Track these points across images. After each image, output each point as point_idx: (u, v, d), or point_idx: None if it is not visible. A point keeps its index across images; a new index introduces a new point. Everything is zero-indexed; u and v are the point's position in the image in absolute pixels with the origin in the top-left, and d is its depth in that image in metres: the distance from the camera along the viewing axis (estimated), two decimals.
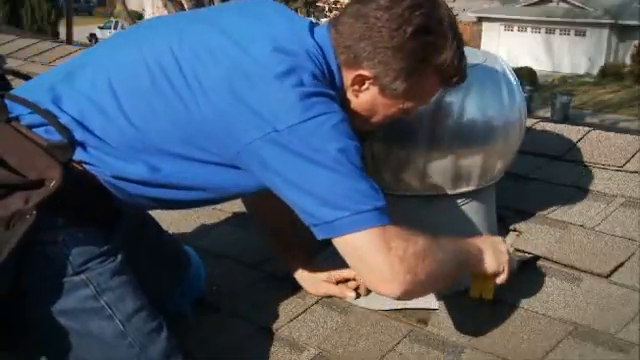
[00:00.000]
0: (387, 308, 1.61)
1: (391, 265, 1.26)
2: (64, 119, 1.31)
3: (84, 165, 1.32)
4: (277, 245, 1.77)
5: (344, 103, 1.37)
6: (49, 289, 1.31)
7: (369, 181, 1.28)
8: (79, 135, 1.31)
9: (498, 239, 1.53)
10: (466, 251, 1.43)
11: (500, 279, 1.47)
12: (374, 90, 1.36)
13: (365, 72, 1.34)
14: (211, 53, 1.31)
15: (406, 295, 1.32)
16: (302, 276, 1.71)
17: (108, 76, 1.36)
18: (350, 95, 1.38)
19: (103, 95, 1.34)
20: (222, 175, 1.35)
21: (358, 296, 1.66)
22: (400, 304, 1.60)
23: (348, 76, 1.36)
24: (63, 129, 1.30)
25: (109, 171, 1.33)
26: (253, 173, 1.31)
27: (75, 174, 1.30)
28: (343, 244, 1.28)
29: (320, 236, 1.29)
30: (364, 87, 1.36)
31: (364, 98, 1.38)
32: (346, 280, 1.68)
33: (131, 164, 1.33)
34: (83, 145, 1.31)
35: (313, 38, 1.36)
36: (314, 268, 1.71)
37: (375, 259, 1.26)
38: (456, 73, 1.38)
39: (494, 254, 1.45)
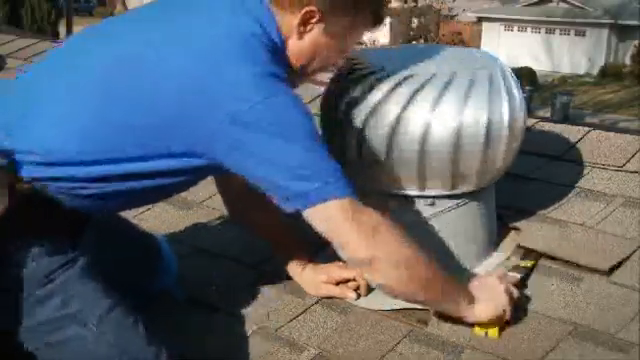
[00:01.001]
0: (387, 308, 1.61)
1: (359, 232, 1.34)
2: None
3: (34, 182, 1.33)
4: (277, 246, 1.77)
5: (287, 60, 1.43)
6: (22, 306, 1.33)
7: (330, 155, 1.34)
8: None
9: (494, 281, 1.50)
10: (455, 296, 1.46)
11: (502, 320, 1.48)
12: (318, 29, 1.42)
13: (313, 7, 1.39)
14: (165, 47, 1.34)
15: (373, 265, 1.37)
16: (302, 277, 1.71)
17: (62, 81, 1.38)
18: (293, 42, 1.43)
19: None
20: (185, 165, 1.37)
21: (359, 296, 1.66)
22: (400, 304, 1.60)
23: (293, 21, 1.40)
24: (4, 153, 1.31)
25: (60, 180, 1.34)
26: (217, 157, 1.33)
27: (25, 192, 1.32)
28: (315, 214, 1.33)
29: (292, 207, 1.34)
30: (309, 27, 1.42)
31: (308, 40, 1.43)
32: (347, 280, 1.68)
33: (86, 166, 1.34)
34: (28, 161, 1.32)
35: (247, 11, 1.39)
36: (314, 269, 1.71)
37: (346, 225, 1.33)
38: (382, 14, 1.49)
39: (492, 300, 1.46)
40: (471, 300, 1.46)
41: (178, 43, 1.34)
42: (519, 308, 1.51)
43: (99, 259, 1.42)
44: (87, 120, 1.34)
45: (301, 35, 1.42)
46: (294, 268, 1.72)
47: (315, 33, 1.43)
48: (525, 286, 1.61)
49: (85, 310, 1.35)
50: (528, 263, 1.67)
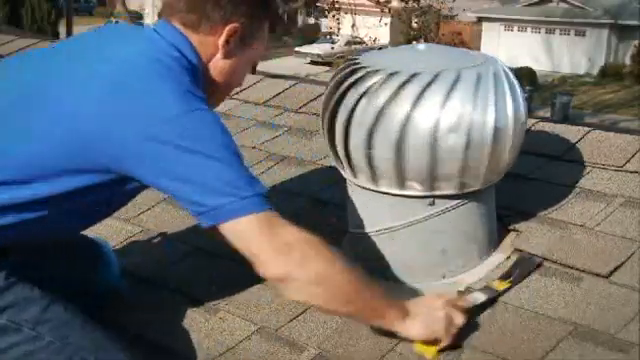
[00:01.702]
0: None
1: (273, 247, 1.33)
2: None
3: None
4: None
5: (209, 80, 1.47)
6: None
7: (248, 170, 1.37)
8: None
9: (438, 305, 1.45)
10: (384, 311, 1.42)
11: (439, 346, 1.44)
12: (238, 43, 1.48)
13: (236, 24, 1.45)
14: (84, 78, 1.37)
15: (287, 282, 1.35)
16: None
17: None
18: (217, 61, 1.48)
19: None
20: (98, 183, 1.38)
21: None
22: None
23: (216, 41, 1.46)
24: None
25: None
26: (130, 172, 1.35)
27: None
28: (230, 229, 1.33)
29: (208, 223, 1.34)
30: (232, 44, 1.47)
31: (233, 56, 1.49)
32: None
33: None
34: None
35: (162, 37, 1.43)
36: None
37: (260, 240, 1.33)
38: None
39: (426, 321, 1.42)
40: (405, 315, 1.42)
41: (92, 69, 1.37)
42: (461, 335, 1.46)
43: (33, 269, 1.45)
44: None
45: (226, 53, 1.47)
46: None
47: (238, 48, 1.49)
48: (481, 311, 1.55)
49: (17, 317, 1.36)
50: (501, 285, 1.61)
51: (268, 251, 1.33)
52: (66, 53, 1.51)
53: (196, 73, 1.44)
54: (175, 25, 1.46)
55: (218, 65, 1.49)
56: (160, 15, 1.52)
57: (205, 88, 1.45)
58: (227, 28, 1.45)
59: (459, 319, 1.45)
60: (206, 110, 1.35)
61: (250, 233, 1.33)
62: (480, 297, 1.57)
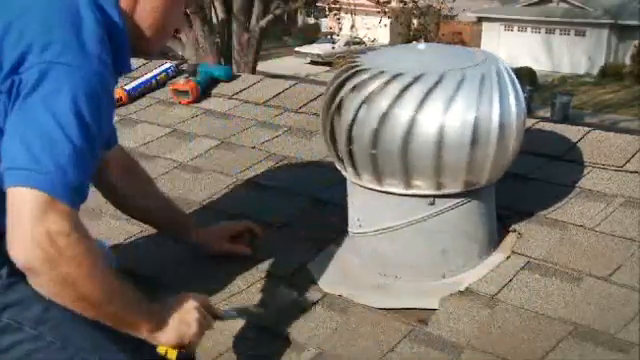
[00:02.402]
0: (386, 306, 1.61)
1: (33, 233, 1.17)
2: None
3: None
4: (163, 227, 1.89)
5: (142, 22, 1.40)
6: None
7: (84, 159, 1.23)
8: None
9: (190, 308, 1.43)
10: (136, 321, 1.36)
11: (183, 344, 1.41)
12: None
13: None
14: None
15: (31, 272, 1.20)
16: (203, 240, 1.84)
17: None
18: (144, 6, 1.39)
19: None
20: None
21: (254, 250, 1.84)
22: (399, 303, 1.60)
23: None
24: None
25: None
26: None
27: None
28: (11, 194, 1.19)
29: (5, 182, 1.20)
30: None
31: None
32: (240, 235, 1.86)
33: None
34: None
35: None
36: (206, 231, 1.86)
37: (25, 219, 1.18)
38: None
39: (178, 328, 1.39)
40: (160, 325, 1.38)
41: None
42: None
43: None
44: None
45: None
46: (188, 236, 1.84)
47: None
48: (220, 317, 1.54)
49: (18, 316, 1.36)
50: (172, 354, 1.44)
51: (28, 236, 1.18)
52: None
53: (114, 29, 1.33)
54: None
55: (147, 6, 1.40)
56: None
57: (133, 41, 1.38)
58: None
59: (209, 320, 1.46)
60: (97, 73, 1.25)
61: (23, 206, 1.18)
62: (233, 314, 1.59)
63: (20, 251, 1.19)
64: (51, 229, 1.17)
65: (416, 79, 1.54)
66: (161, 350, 1.41)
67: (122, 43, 1.35)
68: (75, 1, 1.30)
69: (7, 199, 1.19)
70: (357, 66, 1.64)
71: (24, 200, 1.18)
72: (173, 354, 1.41)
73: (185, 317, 1.41)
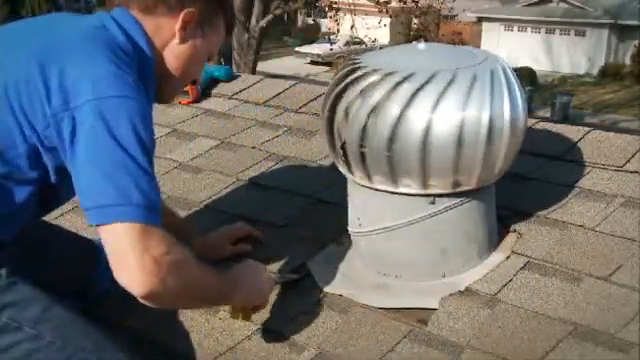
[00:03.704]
0: (386, 306, 1.61)
1: (142, 264, 1.23)
2: None
3: None
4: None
5: (163, 69, 1.46)
6: None
7: (148, 175, 1.29)
8: None
9: (261, 269, 1.61)
10: (230, 285, 1.50)
11: (259, 307, 1.60)
12: (194, 30, 1.47)
13: (192, 9, 1.44)
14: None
15: (150, 299, 1.27)
16: (204, 249, 1.77)
17: None
18: (172, 48, 1.46)
19: None
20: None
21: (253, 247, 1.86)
22: (399, 303, 1.60)
23: (173, 25, 1.44)
24: None
25: None
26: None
27: None
28: (108, 232, 1.25)
29: (94, 220, 1.26)
30: (189, 30, 1.46)
31: (187, 41, 1.47)
32: (243, 238, 1.89)
33: None
34: None
35: (116, 22, 1.41)
36: (211, 237, 1.87)
37: (128, 253, 1.23)
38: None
39: (254, 286, 1.56)
40: (237, 286, 1.52)
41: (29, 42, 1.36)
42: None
43: (33, 269, 1.43)
44: None
45: (182, 38, 1.46)
46: (193, 242, 1.79)
47: (195, 35, 1.47)
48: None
49: (17, 316, 1.36)
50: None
51: (132, 264, 1.23)
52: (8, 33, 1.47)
53: (146, 63, 1.41)
54: (132, 11, 1.44)
55: (174, 51, 1.47)
56: (118, 3, 1.49)
57: (158, 78, 1.44)
58: (183, 12, 1.44)
59: (272, 286, 1.64)
60: (138, 100, 1.30)
61: (121, 241, 1.24)
62: (281, 280, 1.73)
63: (135, 284, 1.25)
64: (155, 254, 1.24)
65: (407, 77, 1.54)
66: (235, 316, 1.58)
67: (149, 72, 1.42)
68: (110, 33, 1.37)
69: (101, 236, 1.26)
70: (360, 66, 1.64)
71: (122, 235, 1.24)
72: (248, 317, 1.59)
73: (260, 276, 1.58)
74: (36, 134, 1.31)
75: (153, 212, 1.26)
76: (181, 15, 1.44)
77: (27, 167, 1.34)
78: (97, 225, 1.26)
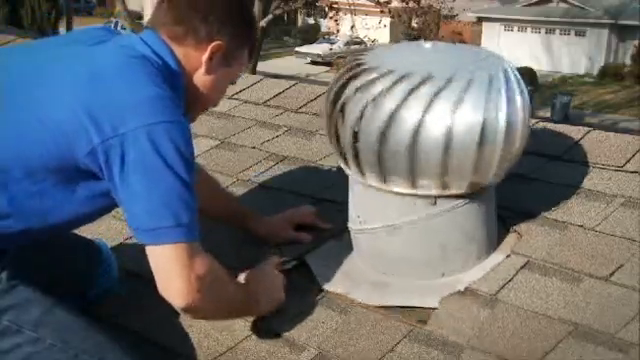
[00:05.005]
0: (385, 304, 1.61)
1: (189, 281, 1.34)
2: None
3: None
4: (228, 220, 1.91)
5: (190, 90, 1.50)
6: None
7: (193, 194, 1.36)
8: None
9: (273, 272, 1.67)
10: (253, 300, 1.58)
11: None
12: (220, 61, 1.51)
13: (220, 42, 1.48)
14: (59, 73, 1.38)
15: (191, 312, 1.41)
16: (268, 230, 1.87)
17: None
18: (199, 76, 1.51)
19: None
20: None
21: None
22: (398, 301, 1.60)
23: (200, 57, 1.48)
24: None
25: None
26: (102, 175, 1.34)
27: None
28: (155, 251, 1.34)
29: (145, 241, 1.35)
30: (215, 61, 1.50)
31: (212, 72, 1.51)
32: (304, 225, 1.90)
33: None
34: None
35: (146, 44, 1.45)
36: (271, 220, 1.89)
37: (177, 271, 1.34)
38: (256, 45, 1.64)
39: (270, 296, 1.62)
40: (258, 304, 1.60)
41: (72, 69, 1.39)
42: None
43: (33, 270, 1.44)
44: None
45: (208, 69, 1.50)
46: (253, 225, 1.88)
47: (220, 66, 1.52)
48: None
49: (18, 319, 1.36)
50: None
51: (179, 280, 1.34)
52: (44, 53, 1.50)
53: (177, 82, 1.45)
54: (161, 36, 1.48)
55: (199, 80, 1.52)
56: (147, 26, 1.53)
57: (186, 97, 1.48)
58: (212, 45, 1.48)
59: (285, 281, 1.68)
60: (180, 122, 1.35)
61: (171, 261, 1.34)
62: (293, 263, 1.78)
63: (181, 300, 1.35)
64: (200, 272, 1.35)
65: (424, 80, 1.53)
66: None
67: (180, 95, 1.45)
68: (145, 57, 1.41)
69: (148, 252, 1.35)
70: (363, 65, 1.64)
71: (171, 255, 1.34)
72: None
73: (271, 288, 1.63)
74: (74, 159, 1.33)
75: (195, 230, 1.36)
76: (209, 47, 1.48)
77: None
78: (151, 246, 1.34)
